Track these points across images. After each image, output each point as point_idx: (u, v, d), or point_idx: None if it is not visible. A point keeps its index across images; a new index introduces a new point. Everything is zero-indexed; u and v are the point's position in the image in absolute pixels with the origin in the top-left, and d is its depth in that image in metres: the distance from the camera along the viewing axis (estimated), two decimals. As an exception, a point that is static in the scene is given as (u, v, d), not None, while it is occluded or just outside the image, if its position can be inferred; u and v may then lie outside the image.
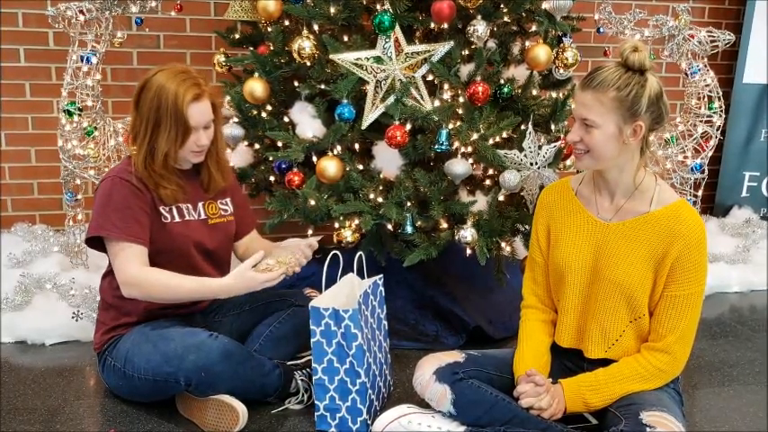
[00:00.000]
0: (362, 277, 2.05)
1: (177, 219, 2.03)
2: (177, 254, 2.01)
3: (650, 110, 1.68)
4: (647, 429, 1.58)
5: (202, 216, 2.09)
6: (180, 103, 1.91)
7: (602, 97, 1.67)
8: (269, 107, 2.61)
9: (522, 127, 2.42)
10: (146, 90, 1.95)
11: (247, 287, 1.92)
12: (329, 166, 2.35)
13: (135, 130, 1.98)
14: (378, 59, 2.31)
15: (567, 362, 1.91)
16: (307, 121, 2.45)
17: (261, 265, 1.95)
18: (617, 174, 1.77)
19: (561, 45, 2.50)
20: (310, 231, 2.67)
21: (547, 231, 1.92)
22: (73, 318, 2.45)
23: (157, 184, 1.97)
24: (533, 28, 2.57)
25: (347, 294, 2.01)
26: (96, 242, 1.99)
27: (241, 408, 1.89)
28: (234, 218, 2.18)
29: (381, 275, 2.09)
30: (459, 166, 2.31)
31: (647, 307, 1.77)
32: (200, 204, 2.09)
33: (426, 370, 1.86)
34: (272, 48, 2.55)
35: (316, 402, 1.92)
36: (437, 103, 2.37)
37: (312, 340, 1.87)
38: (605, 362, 1.81)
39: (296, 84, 2.55)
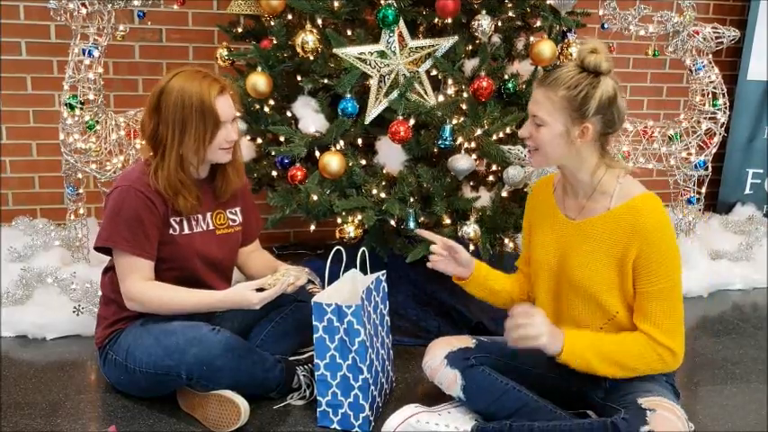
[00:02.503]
0: (365, 273, 2.05)
1: (186, 231, 2.01)
2: (180, 264, 2.01)
3: (600, 113, 1.65)
4: (648, 412, 1.58)
5: (210, 227, 2.07)
6: (207, 99, 1.88)
7: (552, 95, 1.66)
8: (272, 102, 2.60)
9: (526, 123, 2.41)
10: (165, 94, 1.89)
11: (240, 305, 1.92)
12: (332, 162, 2.34)
13: (158, 138, 1.92)
14: (381, 54, 2.30)
15: (551, 359, 1.89)
16: (309, 116, 2.44)
17: (264, 280, 1.95)
18: (574, 173, 1.75)
19: (566, 41, 2.50)
20: (312, 227, 2.67)
21: (529, 228, 1.93)
22: (74, 312, 2.45)
23: (178, 195, 1.94)
24: (538, 23, 2.57)
25: (350, 290, 2.01)
26: (104, 248, 1.98)
27: (243, 403, 1.88)
28: (241, 227, 2.17)
29: (384, 271, 2.08)
30: (462, 162, 2.30)
31: (623, 303, 1.72)
32: (208, 214, 2.07)
33: (437, 354, 1.86)
34: (274, 42, 2.54)
35: (318, 398, 1.91)
36: (441, 98, 2.36)
37: (314, 336, 1.87)
38: None
39: (299, 78, 2.54)
